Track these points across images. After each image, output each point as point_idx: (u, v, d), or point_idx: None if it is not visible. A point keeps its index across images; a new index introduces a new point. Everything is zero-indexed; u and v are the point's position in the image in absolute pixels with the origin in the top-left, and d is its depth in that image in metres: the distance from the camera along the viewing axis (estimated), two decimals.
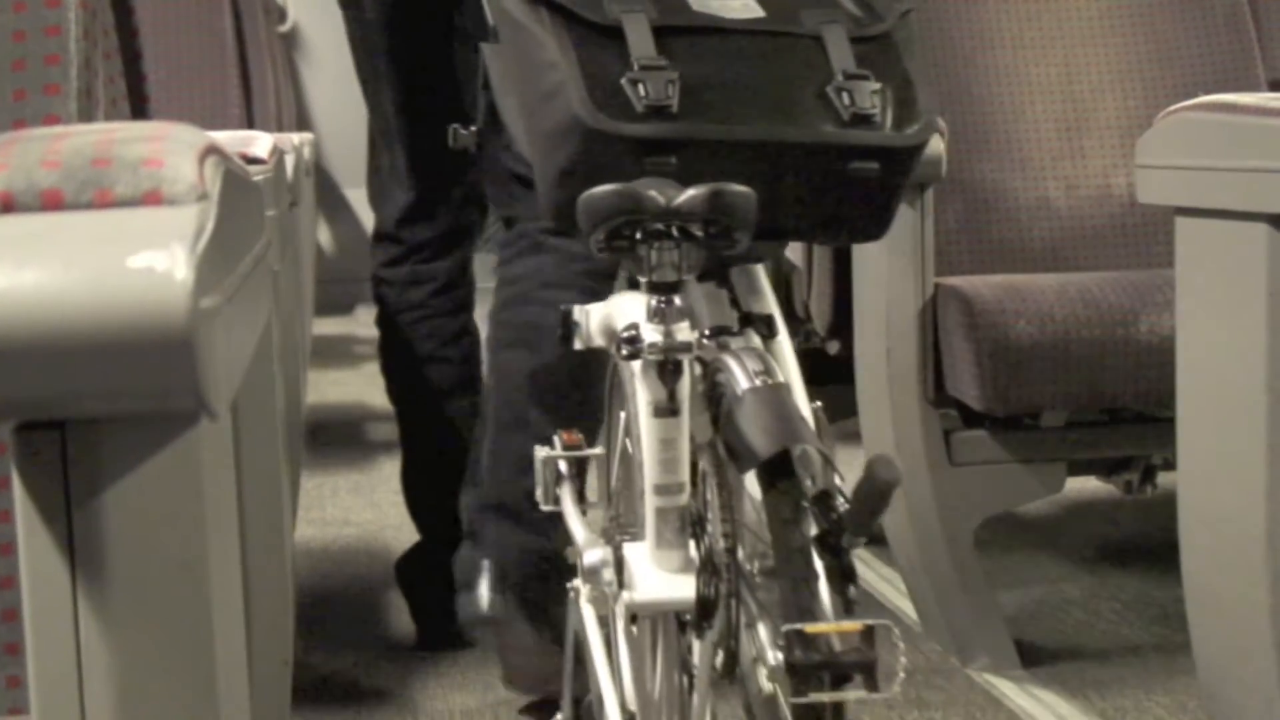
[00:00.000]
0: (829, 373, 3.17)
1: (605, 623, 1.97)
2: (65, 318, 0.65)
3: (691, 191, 1.74)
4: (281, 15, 7.72)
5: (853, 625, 1.54)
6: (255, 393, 1.30)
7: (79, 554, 0.72)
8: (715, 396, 1.73)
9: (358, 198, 8.19)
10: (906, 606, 2.72)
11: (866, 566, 3.04)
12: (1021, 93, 2.76)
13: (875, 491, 1.57)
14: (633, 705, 1.88)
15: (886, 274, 2.44)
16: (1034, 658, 2.49)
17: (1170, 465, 2.52)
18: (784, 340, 1.91)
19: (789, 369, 1.85)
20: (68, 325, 0.65)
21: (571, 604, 2.05)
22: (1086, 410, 2.43)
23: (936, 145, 2.42)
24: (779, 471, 1.68)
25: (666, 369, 1.76)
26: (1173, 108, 1.63)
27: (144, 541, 0.73)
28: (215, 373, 0.68)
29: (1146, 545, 3.10)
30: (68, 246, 0.67)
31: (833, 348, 2.93)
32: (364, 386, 5.38)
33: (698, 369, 1.79)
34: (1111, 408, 2.43)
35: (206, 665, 0.74)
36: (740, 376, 1.69)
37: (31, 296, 0.65)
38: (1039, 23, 2.80)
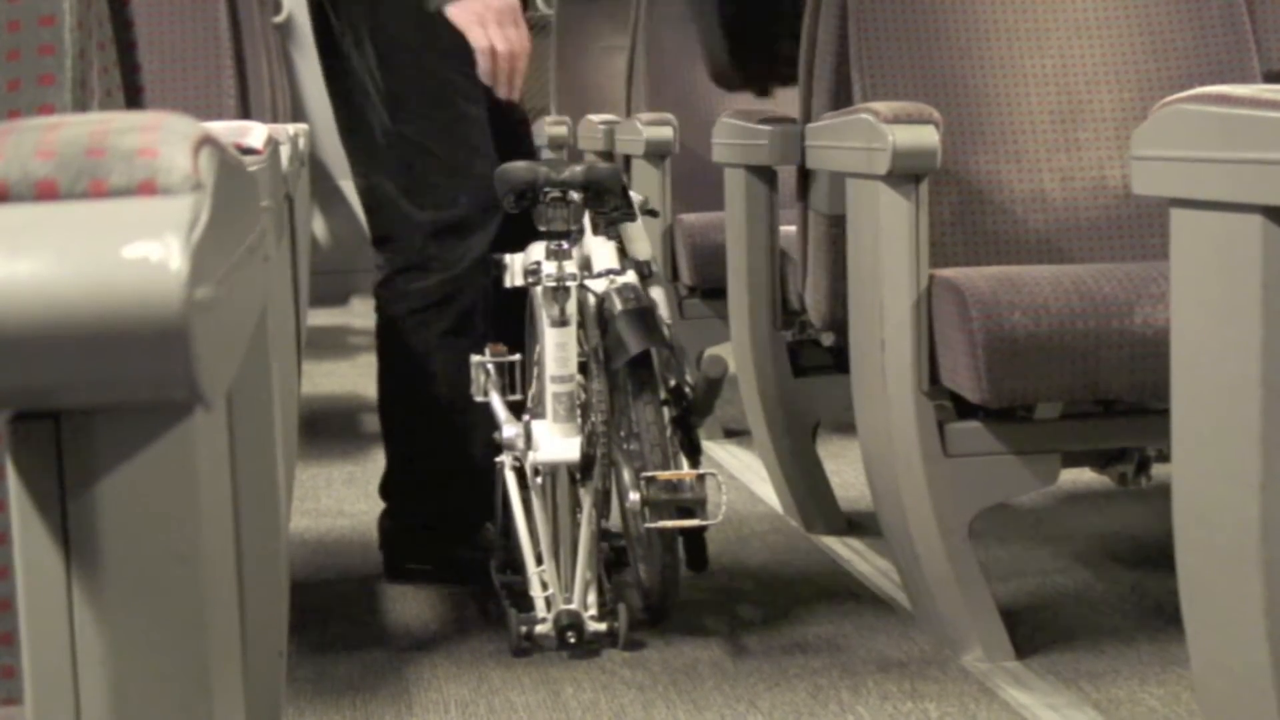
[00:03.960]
0: (823, 364, 3.18)
1: (521, 484, 2.56)
2: (59, 308, 0.65)
3: (574, 167, 2.50)
4: (276, 7, 7.71)
5: (689, 472, 2.39)
6: (250, 383, 1.30)
7: (73, 545, 0.72)
8: (602, 317, 2.52)
9: (352, 189, 8.18)
10: (901, 597, 2.73)
11: (860, 558, 3.04)
12: (1016, 85, 2.76)
13: (709, 385, 2.45)
14: (542, 545, 2.49)
15: (881, 266, 2.44)
16: (1028, 649, 2.49)
17: (1165, 457, 2.52)
18: (657, 277, 2.69)
19: (657, 298, 2.60)
20: (62, 316, 0.65)
21: (498, 473, 2.63)
22: (1081, 402, 2.44)
23: (931, 137, 2.42)
24: (642, 367, 2.49)
25: (559, 292, 2.49)
26: (1168, 99, 1.63)
27: (138, 532, 0.73)
28: (210, 363, 0.68)
29: (1141, 537, 3.10)
30: (62, 237, 0.67)
31: (827, 339, 2.93)
32: (358, 378, 5.37)
33: (591, 297, 2.55)
34: (1106, 399, 2.43)
35: (200, 656, 0.74)
36: (619, 302, 2.50)
37: (26, 287, 0.65)
38: (1034, 15, 2.80)
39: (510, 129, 2.97)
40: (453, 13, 2.67)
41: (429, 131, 2.79)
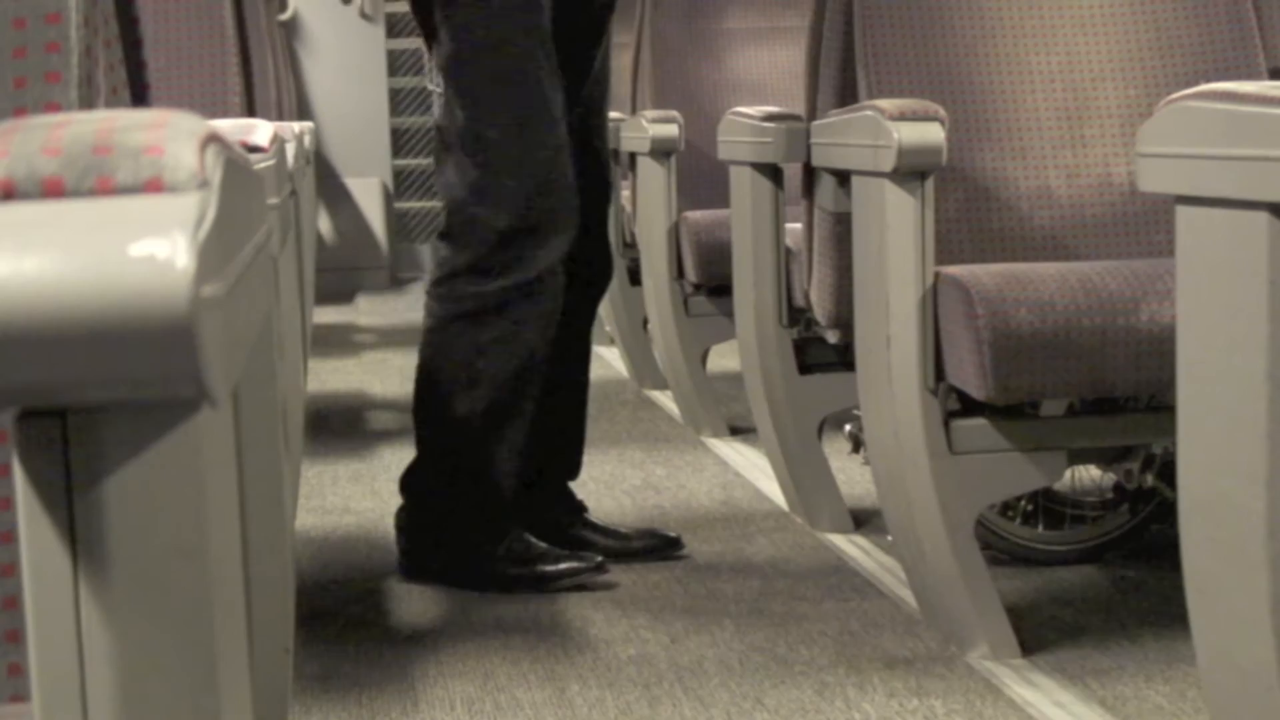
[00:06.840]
0: (829, 361, 3.18)
1: None
2: (66, 305, 0.65)
3: None
4: (282, 4, 7.71)
5: None
6: (256, 381, 1.30)
7: (80, 542, 0.72)
8: None
9: (357, 186, 8.18)
10: (906, 595, 2.73)
11: (866, 555, 3.04)
12: (1022, 81, 2.76)
13: None
14: None
15: (887, 263, 2.44)
16: (1034, 646, 2.49)
17: (1170, 454, 2.52)
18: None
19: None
20: (69, 313, 0.65)
21: None
22: (1087, 399, 2.44)
23: (936, 134, 2.42)
24: None
25: None
26: (1174, 96, 1.63)
27: (145, 529, 0.73)
28: (216, 360, 0.68)
29: (1146, 533, 3.09)
30: (68, 234, 0.67)
31: (833, 336, 2.93)
32: (364, 375, 5.37)
33: None
34: (1112, 396, 2.43)
35: (207, 653, 0.74)
36: None
37: (32, 284, 0.65)
38: (1040, 11, 2.80)
39: (588, 127, 2.94)
40: None
41: (499, 126, 2.73)
